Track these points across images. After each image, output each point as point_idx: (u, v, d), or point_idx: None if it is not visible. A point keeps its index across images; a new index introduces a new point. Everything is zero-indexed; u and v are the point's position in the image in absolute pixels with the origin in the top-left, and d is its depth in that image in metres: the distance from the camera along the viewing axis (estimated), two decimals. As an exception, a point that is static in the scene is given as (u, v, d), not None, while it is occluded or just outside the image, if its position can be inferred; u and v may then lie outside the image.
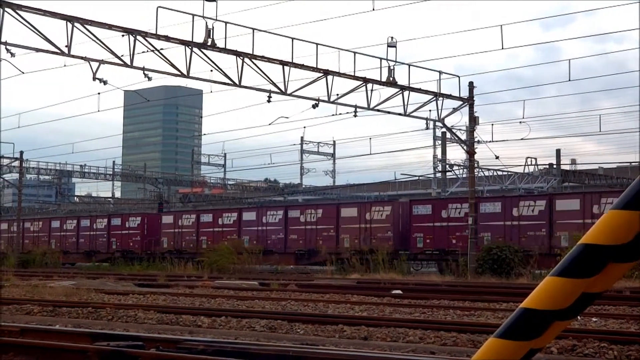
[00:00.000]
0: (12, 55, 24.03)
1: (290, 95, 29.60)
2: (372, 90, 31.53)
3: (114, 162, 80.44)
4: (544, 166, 56.67)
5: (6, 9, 23.33)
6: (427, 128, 38.13)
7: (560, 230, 34.55)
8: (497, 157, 41.68)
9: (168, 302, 21.02)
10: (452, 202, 40.06)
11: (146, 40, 26.10)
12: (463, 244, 35.94)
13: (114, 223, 54.39)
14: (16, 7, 23.60)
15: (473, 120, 35.05)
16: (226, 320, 15.62)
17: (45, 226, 59.93)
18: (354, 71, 30.77)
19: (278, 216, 45.46)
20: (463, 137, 36.73)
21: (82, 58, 25.60)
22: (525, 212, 35.97)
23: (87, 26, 25.00)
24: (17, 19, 23.68)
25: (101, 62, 25.94)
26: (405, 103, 32.62)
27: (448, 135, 46.05)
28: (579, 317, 14.50)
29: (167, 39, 26.39)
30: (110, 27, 25.59)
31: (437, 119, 34.74)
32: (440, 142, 58.79)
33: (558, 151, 56.95)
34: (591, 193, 36.72)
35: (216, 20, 26.98)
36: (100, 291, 24.43)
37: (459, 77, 34.38)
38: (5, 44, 23.48)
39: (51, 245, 56.49)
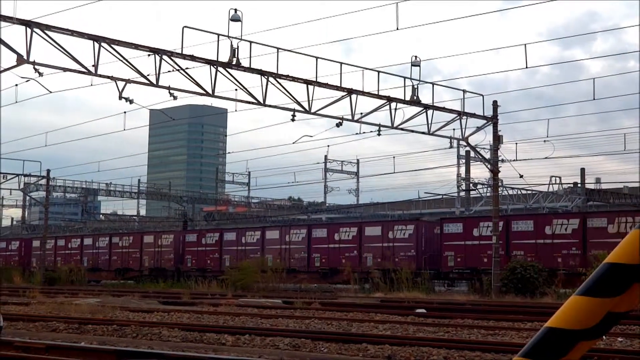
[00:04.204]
0: (40, 74, 24.29)
1: (314, 114, 29.68)
2: (395, 109, 31.56)
3: (139, 180, 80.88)
4: (569, 185, 56.30)
5: (35, 29, 23.64)
6: (451, 147, 38.05)
7: None
8: (521, 176, 41.50)
9: (192, 320, 21.07)
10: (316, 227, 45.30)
11: (172, 60, 26.32)
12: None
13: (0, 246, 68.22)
14: (45, 27, 23.90)
15: (497, 139, 34.92)
16: (250, 339, 15.64)
17: None
18: (378, 90, 30.81)
19: (131, 240, 55.09)
20: (487, 155, 36.58)
21: (108, 77, 25.83)
22: None
23: (113, 46, 25.24)
24: (45, 39, 23.97)
25: (127, 81, 26.17)
26: (429, 122, 32.60)
27: (472, 153, 45.93)
28: (604, 337, 14.36)
29: (192, 58, 26.58)
30: (136, 46, 25.82)
31: (461, 137, 34.66)
32: (464, 160, 58.72)
33: (582, 170, 56.57)
34: None
35: (241, 39, 27.17)
36: (125, 309, 24.56)
37: (482, 96, 34.34)
38: (34, 63, 23.75)
39: None
